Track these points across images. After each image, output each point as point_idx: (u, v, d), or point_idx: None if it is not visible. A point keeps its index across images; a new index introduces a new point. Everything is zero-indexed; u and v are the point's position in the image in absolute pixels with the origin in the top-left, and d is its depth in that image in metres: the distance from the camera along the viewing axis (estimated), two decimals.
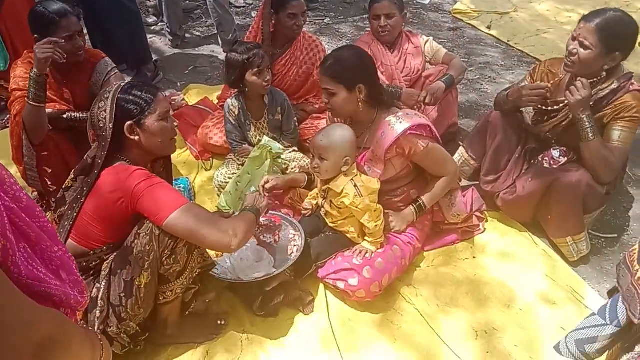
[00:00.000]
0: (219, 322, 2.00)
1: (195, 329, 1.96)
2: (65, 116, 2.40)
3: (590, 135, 2.14)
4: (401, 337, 1.99)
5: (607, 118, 2.17)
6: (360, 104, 2.09)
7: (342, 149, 2.02)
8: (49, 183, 2.43)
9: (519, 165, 2.45)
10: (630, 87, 2.15)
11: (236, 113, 2.74)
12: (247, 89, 2.65)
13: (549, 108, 2.32)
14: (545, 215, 2.35)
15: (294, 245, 2.10)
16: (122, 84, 1.75)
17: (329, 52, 2.37)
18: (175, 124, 1.85)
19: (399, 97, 2.76)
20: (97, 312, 1.68)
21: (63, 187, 1.81)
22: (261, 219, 1.97)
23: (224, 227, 1.65)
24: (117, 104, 1.69)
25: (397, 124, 2.06)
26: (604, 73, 2.14)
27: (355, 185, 2.03)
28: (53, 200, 2.47)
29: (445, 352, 1.93)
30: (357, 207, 2.02)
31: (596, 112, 2.17)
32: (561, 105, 2.27)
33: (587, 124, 2.13)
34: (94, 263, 1.73)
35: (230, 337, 1.97)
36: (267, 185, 2.19)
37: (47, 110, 2.29)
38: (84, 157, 1.77)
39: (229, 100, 2.77)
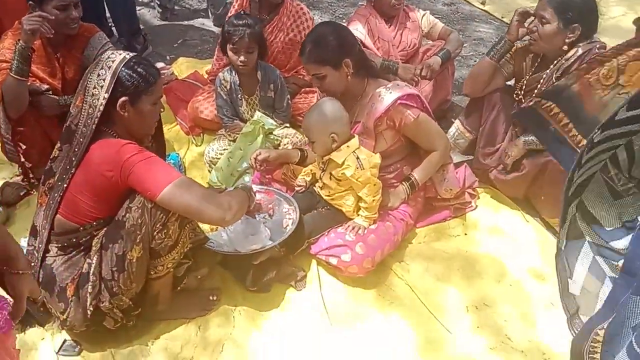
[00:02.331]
0: (211, 297, 2.00)
1: (187, 305, 1.96)
2: (59, 99, 2.34)
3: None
4: (392, 312, 2.00)
5: None
6: (349, 77, 2.09)
7: (323, 127, 2.01)
8: (23, 159, 2.38)
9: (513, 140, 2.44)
10: (595, 50, 2.13)
11: (228, 87, 2.70)
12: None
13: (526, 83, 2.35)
14: (538, 195, 2.36)
15: (289, 219, 2.09)
16: (127, 57, 1.69)
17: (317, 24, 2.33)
18: (162, 110, 1.83)
19: (395, 71, 2.73)
20: (89, 287, 1.67)
21: (50, 157, 1.77)
22: (256, 194, 1.96)
23: (218, 201, 1.66)
24: (119, 76, 1.65)
25: (387, 94, 2.07)
26: (565, 47, 2.16)
27: (358, 158, 2.02)
28: (32, 176, 2.44)
29: (437, 327, 1.95)
30: (357, 180, 2.01)
31: None
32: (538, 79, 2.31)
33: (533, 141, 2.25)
34: (84, 239, 1.72)
35: (222, 312, 1.97)
36: (259, 157, 2.18)
37: (51, 96, 2.28)
38: (67, 124, 1.72)
39: (220, 74, 2.73)
